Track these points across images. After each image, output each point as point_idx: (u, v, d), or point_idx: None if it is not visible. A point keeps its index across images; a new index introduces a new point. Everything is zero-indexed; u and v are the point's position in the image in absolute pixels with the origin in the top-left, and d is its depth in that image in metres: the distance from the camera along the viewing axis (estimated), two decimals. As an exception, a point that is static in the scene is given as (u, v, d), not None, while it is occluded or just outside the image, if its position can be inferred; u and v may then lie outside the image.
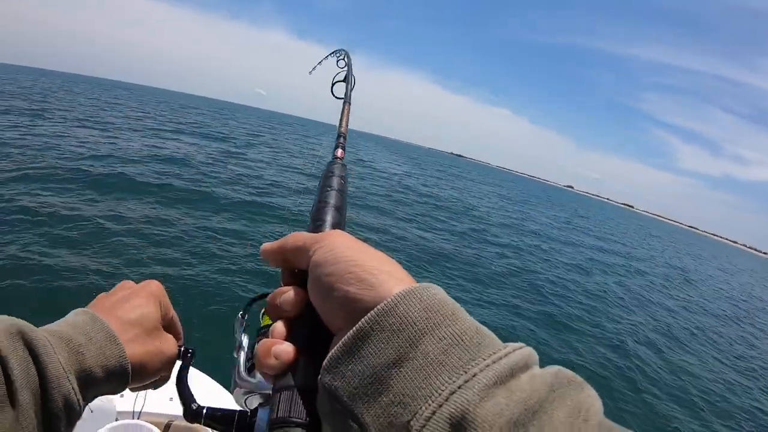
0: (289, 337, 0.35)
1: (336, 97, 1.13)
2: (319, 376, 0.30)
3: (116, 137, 15.86)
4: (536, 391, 0.24)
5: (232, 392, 0.50)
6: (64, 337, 0.43)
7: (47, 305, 4.42)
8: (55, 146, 11.92)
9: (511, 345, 0.27)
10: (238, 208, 9.42)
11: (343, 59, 1.23)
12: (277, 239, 0.40)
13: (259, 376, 0.46)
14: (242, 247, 7.01)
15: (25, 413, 0.36)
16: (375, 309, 0.28)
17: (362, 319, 0.29)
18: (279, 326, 0.36)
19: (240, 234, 7.82)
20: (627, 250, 23.66)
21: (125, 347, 0.48)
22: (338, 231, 0.38)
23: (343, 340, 0.29)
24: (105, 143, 14.03)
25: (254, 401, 0.51)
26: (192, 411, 0.55)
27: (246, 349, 0.50)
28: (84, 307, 0.52)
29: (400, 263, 0.35)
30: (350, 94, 0.98)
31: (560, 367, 0.27)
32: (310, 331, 0.35)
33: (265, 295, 0.47)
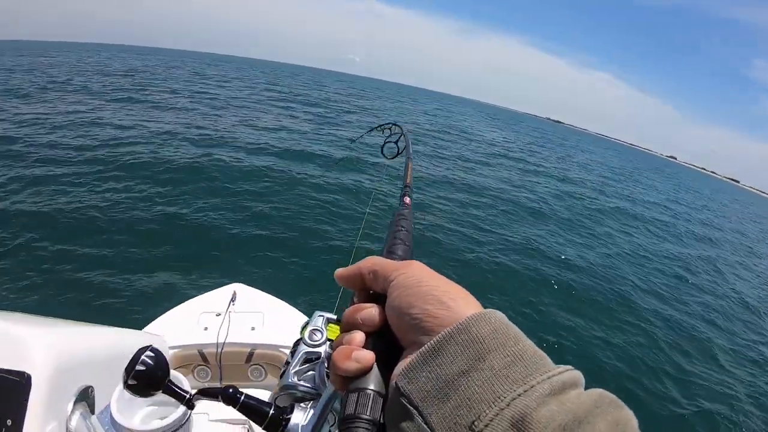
0: (366, 347, 0.39)
1: (386, 158, 1.33)
2: (394, 380, 0.34)
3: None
4: (583, 404, 0.28)
5: (274, 391, 0.57)
6: None
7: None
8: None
9: (564, 366, 0.32)
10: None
11: (389, 128, 1.46)
12: (347, 265, 0.46)
13: (303, 381, 0.54)
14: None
15: None
16: (451, 326, 0.33)
17: (440, 334, 0.33)
18: (359, 336, 0.40)
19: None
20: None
21: None
22: (418, 262, 0.42)
23: (421, 350, 0.33)
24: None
25: (284, 400, 0.56)
26: (229, 394, 0.59)
27: (298, 357, 0.56)
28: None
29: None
30: (410, 153, 1.20)
31: (604, 390, 0.31)
32: (387, 343, 0.38)
33: (335, 320, 0.58)
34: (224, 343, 2.13)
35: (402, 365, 0.34)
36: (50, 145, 8.85)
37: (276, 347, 2.27)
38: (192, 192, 7.41)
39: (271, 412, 0.56)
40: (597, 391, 0.31)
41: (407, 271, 0.40)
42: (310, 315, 0.62)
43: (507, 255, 7.32)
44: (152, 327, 2.29)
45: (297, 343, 0.60)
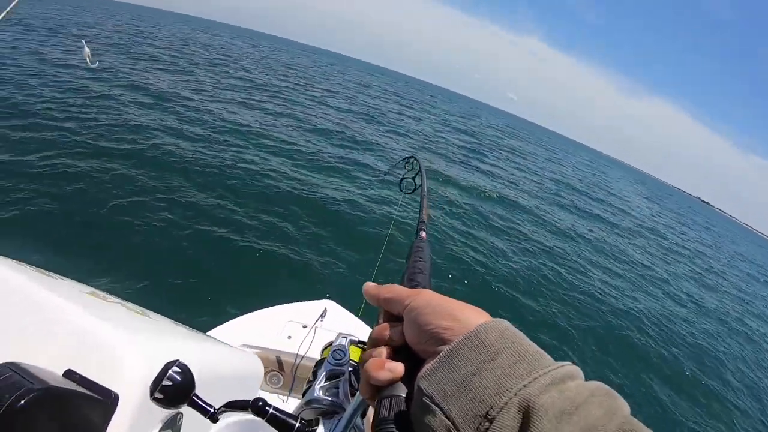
0: (394, 359, 0.45)
1: (404, 192, 1.41)
2: (417, 382, 0.39)
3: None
4: (580, 393, 0.33)
5: (299, 406, 0.64)
6: None
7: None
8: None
9: (563, 362, 0.37)
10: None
11: (410, 162, 1.54)
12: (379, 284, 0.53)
13: (327, 396, 0.62)
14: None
15: None
16: (464, 334, 0.38)
17: (454, 341, 0.38)
18: (386, 351, 0.46)
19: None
20: None
21: None
22: (428, 290, 0.49)
23: (439, 356, 0.38)
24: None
25: (309, 414, 0.63)
26: (258, 407, 0.65)
27: (322, 375, 0.64)
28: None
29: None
30: (426, 189, 1.24)
31: (601, 383, 0.36)
32: (408, 357, 0.44)
33: (357, 342, 0.70)
34: (304, 356, 2.15)
35: (423, 370, 0.39)
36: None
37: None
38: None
39: (297, 425, 0.61)
40: (595, 383, 0.36)
41: (419, 296, 0.46)
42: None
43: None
44: (238, 322, 2.37)
45: (320, 363, 0.66)
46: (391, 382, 0.43)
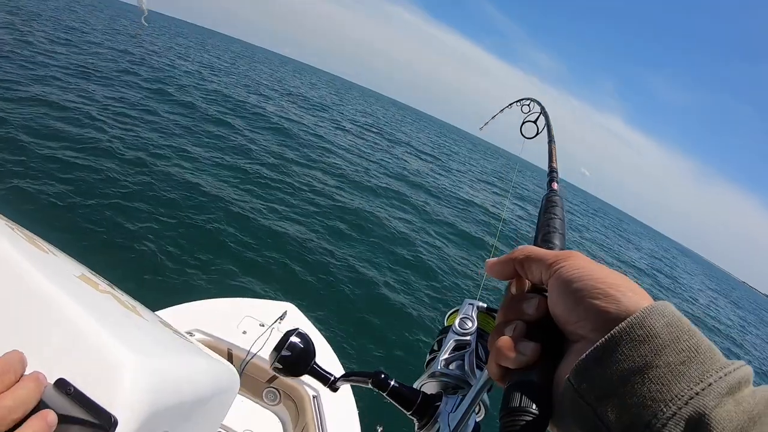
0: (528, 337, 0.39)
1: (525, 137, 1.29)
2: (567, 376, 0.34)
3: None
4: (758, 404, 0.28)
5: (420, 379, 0.59)
6: None
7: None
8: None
9: (737, 362, 0.31)
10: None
11: (528, 105, 1.44)
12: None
13: (452, 368, 0.56)
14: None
15: None
16: (626, 321, 0.32)
17: (614, 329, 0.32)
18: (520, 326, 0.40)
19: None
20: None
21: None
22: (579, 253, 0.41)
23: (595, 346, 0.33)
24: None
25: (431, 388, 0.59)
26: (380, 379, 0.61)
27: (448, 345, 0.58)
28: None
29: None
30: (552, 134, 1.10)
31: None
32: (549, 335, 0.38)
33: (485, 309, 0.60)
34: (255, 354, 2.10)
35: (574, 361, 0.34)
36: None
37: (302, 383, 2.26)
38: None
39: (419, 399, 0.57)
40: (765, 388, 0.30)
41: (569, 262, 0.39)
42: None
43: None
44: (194, 306, 2.33)
45: (445, 331, 0.61)
46: (523, 366, 0.38)
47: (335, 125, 22.03)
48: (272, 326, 2.37)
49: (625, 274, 0.37)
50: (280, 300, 2.77)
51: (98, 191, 5.91)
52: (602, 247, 23.39)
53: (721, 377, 0.29)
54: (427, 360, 0.61)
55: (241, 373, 2.11)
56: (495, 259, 0.46)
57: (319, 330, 2.67)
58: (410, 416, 0.57)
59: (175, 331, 0.97)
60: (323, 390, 2.21)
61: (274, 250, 6.08)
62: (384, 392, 0.60)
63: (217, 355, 1.35)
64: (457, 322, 0.59)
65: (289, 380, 2.22)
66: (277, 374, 0.66)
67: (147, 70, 17.07)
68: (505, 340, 0.39)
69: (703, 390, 0.29)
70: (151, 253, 4.93)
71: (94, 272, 0.83)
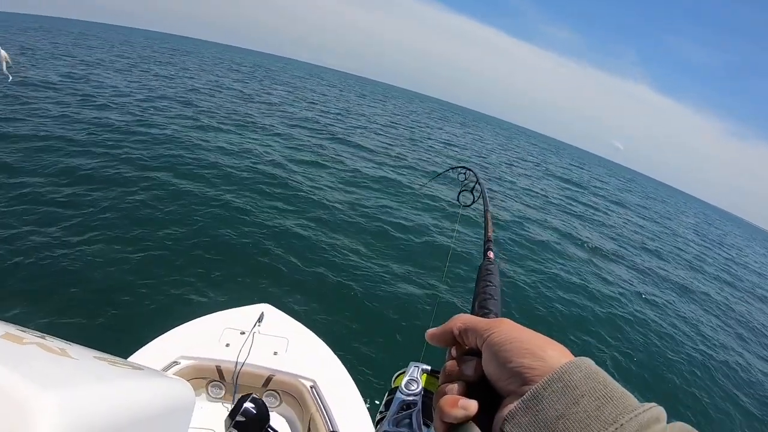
0: (468, 395, 0.44)
1: (463, 205, 1.34)
2: (499, 425, 0.39)
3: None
4: None
5: None
6: None
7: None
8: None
9: (649, 404, 0.36)
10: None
11: (464, 173, 1.49)
12: (437, 326, 0.52)
13: (401, 428, 0.59)
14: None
15: None
16: (548, 375, 0.38)
17: (538, 383, 0.38)
18: (461, 386, 0.45)
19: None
20: None
21: None
22: (507, 320, 0.47)
23: (523, 398, 0.38)
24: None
25: None
26: None
27: (396, 405, 0.61)
28: None
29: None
30: (488, 203, 1.14)
31: (684, 423, 0.36)
32: (484, 393, 0.43)
33: (430, 371, 0.63)
34: (244, 363, 2.13)
35: (506, 411, 0.39)
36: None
37: (296, 377, 2.26)
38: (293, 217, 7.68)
39: None
40: (678, 425, 0.35)
41: (499, 328, 0.44)
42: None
43: None
44: (172, 335, 2.31)
45: (392, 392, 0.65)
46: (465, 420, 0.42)
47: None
48: (253, 330, 2.39)
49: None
50: (255, 303, 2.77)
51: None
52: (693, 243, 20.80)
53: (632, 417, 0.34)
54: (376, 420, 0.64)
55: (236, 386, 2.15)
56: (434, 329, 0.52)
57: (300, 321, 2.68)
58: None
59: (114, 362, 0.98)
60: (319, 378, 2.31)
61: (239, 257, 5.87)
62: None
63: (168, 373, 1.39)
64: (403, 383, 0.63)
65: (284, 376, 2.24)
66: None
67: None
68: (447, 399, 0.44)
69: (616, 430, 0.33)
70: (101, 291, 4.48)
71: (22, 328, 0.84)
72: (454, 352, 0.50)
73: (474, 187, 1.34)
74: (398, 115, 39.33)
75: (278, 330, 2.51)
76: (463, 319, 0.50)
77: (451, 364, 0.48)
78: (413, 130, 28.93)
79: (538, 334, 0.44)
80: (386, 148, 17.44)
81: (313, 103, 29.16)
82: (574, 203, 18.88)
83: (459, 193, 1.36)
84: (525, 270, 8.31)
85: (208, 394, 2.18)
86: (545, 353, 0.40)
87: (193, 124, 13.10)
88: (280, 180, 9.65)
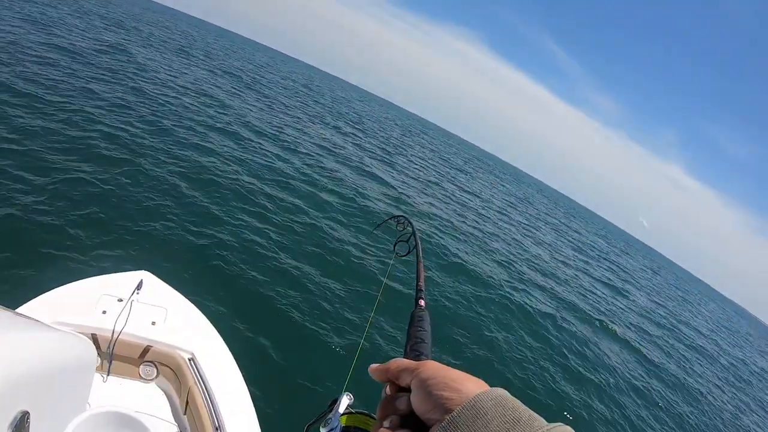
0: (402, 427, 0.50)
1: (399, 255, 1.34)
2: None
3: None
4: None
5: None
6: None
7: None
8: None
9: (555, 423, 0.40)
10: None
11: (402, 223, 1.52)
12: (384, 362, 0.58)
13: None
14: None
15: None
16: (462, 405, 0.43)
17: (454, 411, 0.43)
18: (395, 419, 0.51)
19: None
20: None
21: None
22: (432, 361, 0.55)
23: (441, 424, 0.43)
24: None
25: None
26: None
27: None
28: None
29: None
30: (420, 254, 1.17)
31: None
32: (415, 425, 0.49)
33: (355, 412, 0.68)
34: (121, 332, 2.03)
35: None
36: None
37: (174, 348, 2.21)
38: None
39: None
40: None
41: (425, 367, 0.51)
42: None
43: None
44: (46, 298, 2.16)
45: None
46: None
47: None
48: (131, 299, 2.30)
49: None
50: (134, 270, 2.65)
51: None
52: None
53: None
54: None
55: (111, 356, 2.06)
56: (376, 366, 0.58)
57: (181, 292, 2.59)
58: None
59: (17, 314, 0.93)
60: (198, 350, 2.26)
61: (119, 217, 5.48)
62: None
63: (68, 328, 1.24)
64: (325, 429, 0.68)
65: (162, 347, 2.19)
66: None
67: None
68: (384, 431, 0.49)
69: None
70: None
71: None
72: (389, 390, 0.57)
73: (409, 238, 1.36)
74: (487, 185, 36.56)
75: (157, 299, 2.41)
76: (397, 363, 0.56)
77: (386, 400, 0.54)
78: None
79: (458, 371, 0.50)
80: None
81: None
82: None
83: (395, 243, 1.39)
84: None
85: None
86: (462, 386, 0.46)
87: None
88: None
